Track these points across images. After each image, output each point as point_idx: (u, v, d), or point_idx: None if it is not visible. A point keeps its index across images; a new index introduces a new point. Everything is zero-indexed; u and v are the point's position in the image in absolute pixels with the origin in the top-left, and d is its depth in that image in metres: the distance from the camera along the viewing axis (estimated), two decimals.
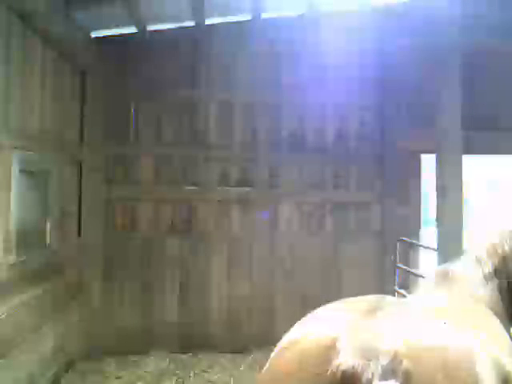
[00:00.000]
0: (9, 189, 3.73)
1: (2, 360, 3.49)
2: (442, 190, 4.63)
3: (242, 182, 5.92)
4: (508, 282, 2.35)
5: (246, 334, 5.76)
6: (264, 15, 5.69)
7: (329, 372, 1.31)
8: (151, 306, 5.71)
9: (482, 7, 5.66)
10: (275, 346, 1.63)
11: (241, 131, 5.94)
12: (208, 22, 5.63)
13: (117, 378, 4.93)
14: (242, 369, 5.19)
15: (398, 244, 5.85)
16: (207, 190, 5.84)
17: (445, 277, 2.29)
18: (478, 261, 2.38)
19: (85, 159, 5.54)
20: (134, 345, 5.52)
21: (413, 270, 5.77)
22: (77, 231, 5.46)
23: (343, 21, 5.65)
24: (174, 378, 4.93)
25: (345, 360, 1.30)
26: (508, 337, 1.82)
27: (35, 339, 4.15)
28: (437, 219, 4.75)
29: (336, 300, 1.78)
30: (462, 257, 2.53)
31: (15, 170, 3.82)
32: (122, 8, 4.91)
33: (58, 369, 4.75)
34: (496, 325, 1.88)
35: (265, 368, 1.57)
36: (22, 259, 3.95)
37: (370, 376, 1.27)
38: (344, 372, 1.28)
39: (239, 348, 5.61)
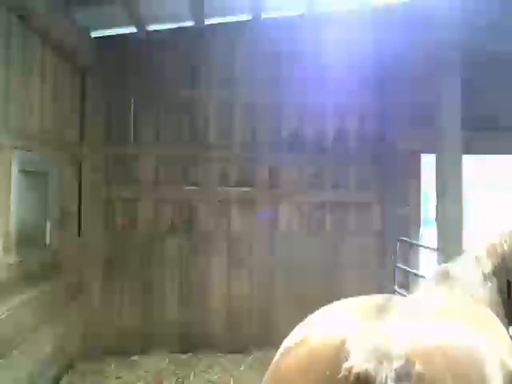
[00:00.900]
0: (9, 189, 3.73)
1: (2, 360, 3.49)
2: (442, 190, 4.63)
3: (242, 182, 5.91)
4: (508, 282, 2.35)
5: (246, 334, 5.75)
6: (264, 15, 5.69)
7: (341, 375, 1.30)
8: (151, 306, 5.71)
9: (482, 7, 5.66)
10: (276, 346, 1.62)
11: (241, 131, 5.93)
12: (208, 22, 5.64)
13: (117, 378, 4.93)
14: (241, 369, 5.18)
15: (398, 244, 5.84)
16: (207, 190, 5.84)
17: (445, 277, 2.29)
18: (478, 261, 2.38)
19: (85, 159, 5.54)
20: (133, 345, 5.52)
21: (413, 270, 5.77)
22: (77, 231, 5.46)
23: (343, 21, 5.65)
24: (174, 378, 4.92)
25: (358, 363, 1.30)
26: (508, 337, 1.82)
27: (35, 339, 4.15)
28: (437, 219, 4.74)
29: (336, 300, 1.77)
30: (461, 257, 2.53)
31: (15, 170, 3.82)
32: (121, 8, 4.91)
33: (58, 369, 4.75)
34: (497, 325, 1.87)
35: (270, 368, 1.55)
36: (22, 259, 3.95)
37: (383, 379, 1.27)
38: (358, 375, 1.28)
39: (239, 348, 5.60)
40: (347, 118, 6.08)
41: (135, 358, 5.36)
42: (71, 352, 5.12)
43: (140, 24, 5.39)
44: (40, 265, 4.35)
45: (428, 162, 5.89)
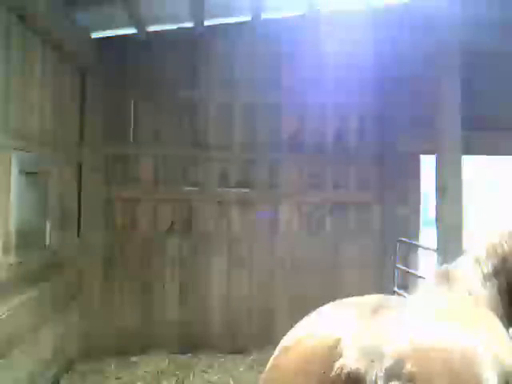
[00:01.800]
0: (8, 189, 3.73)
1: (2, 360, 3.49)
2: (441, 190, 4.63)
3: (242, 183, 5.92)
4: (507, 283, 2.35)
5: (246, 335, 5.75)
6: (264, 15, 5.69)
7: (333, 373, 1.31)
8: (151, 306, 5.71)
9: (482, 7, 5.66)
10: (275, 347, 1.63)
11: (241, 132, 5.93)
12: (208, 22, 5.63)
13: (117, 378, 4.93)
14: (241, 369, 5.18)
15: (397, 244, 5.85)
16: (207, 191, 5.84)
17: (445, 277, 2.29)
18: (478, 261, 2.38)
19: (85, 159, 5.54)
20: (133, 345, 5.52)
21: (412, 271, 5.77)
22: (76, 231, 5.46)
23: (343, 21, 5.65)
24: (174, 378, 4.92)
25: (349, 361, 1.31)
26: (508, 337, 1.82)
27: (35, 339, 4.15)
28: (437, 219, 4.74)
29: (336, 300, 1.78)
30: (461, 257, 2.53)
31: (15, 170, 3.82)
32: (122, 8, 4.91)
33: (58, 369, 4.75)
34: (496, 325, 1.87)
35: (268, 367, 1.57)
36: (22, 259, 3.95)
37: (373, 378, 1.28)
38: (348, 373, 1.29)
39: (239, 348, 5.61)
40: (347, 118, 6.08)
41: (135, 358, 5.36)
42: (71, 352, 5.12)
43: (140, 25, 5.39)
44: (40, 265, 4.35)
45: (428, 163, 5.89)
